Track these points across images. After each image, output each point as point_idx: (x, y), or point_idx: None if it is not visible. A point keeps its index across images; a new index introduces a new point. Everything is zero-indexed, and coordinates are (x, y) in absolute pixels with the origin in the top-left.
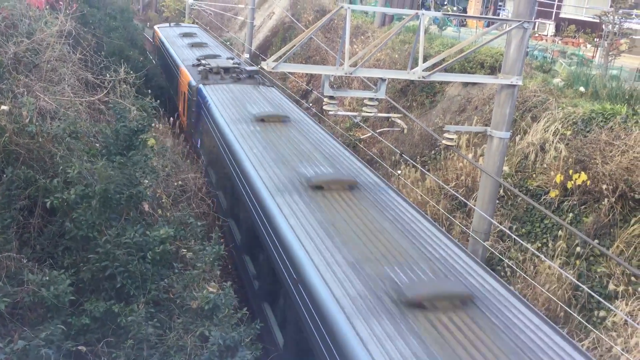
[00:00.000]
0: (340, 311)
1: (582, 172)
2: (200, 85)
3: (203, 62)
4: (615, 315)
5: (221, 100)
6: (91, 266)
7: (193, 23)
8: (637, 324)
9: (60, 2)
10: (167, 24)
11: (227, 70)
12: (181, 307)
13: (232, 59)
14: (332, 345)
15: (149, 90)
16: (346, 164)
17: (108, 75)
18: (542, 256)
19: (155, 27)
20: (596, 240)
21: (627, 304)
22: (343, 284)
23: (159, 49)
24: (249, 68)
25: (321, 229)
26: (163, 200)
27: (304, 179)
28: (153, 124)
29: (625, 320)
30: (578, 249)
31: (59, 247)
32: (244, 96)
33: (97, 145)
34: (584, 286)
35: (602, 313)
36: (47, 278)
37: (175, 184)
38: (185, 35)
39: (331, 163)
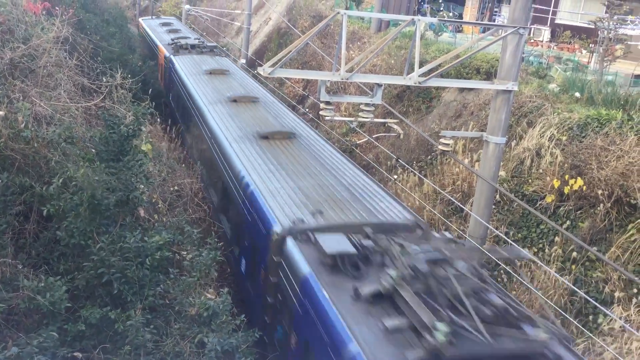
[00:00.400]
0: (226, 140)
1: (579, 178)
2: (172, 56)
3: (175, 41)
4: (610, 320)
5: (185, 64)
6: (86, 274)
7: (190, 28)
8: (637, 330)
9: (57, 8)
10: (150, 17)
11: (193, 46)
12: (178, 313)
13: (198, 39)
14: (222, 156)
15: (147, 95)
16: (253, 88)
17: (104, 81)
18: (538, 261)
19: (140, 19)
20: (595, 248)
21: (623, 309)
22: (231, 132)
23: (143, 36)
24: (209, 44)
25: (235, 125)
26: (159, 206)
27: (226, 97)
28: (144, 128)
29: (622, 326)
30: (574, 254)
31: (54, 253)
32: (202, 62)
33: (93, 150)
34: (580, 291)
35: (600, 319)
36: (43, 284)
37: (171, 189)
38: (164, 24)
39: (246, 91)
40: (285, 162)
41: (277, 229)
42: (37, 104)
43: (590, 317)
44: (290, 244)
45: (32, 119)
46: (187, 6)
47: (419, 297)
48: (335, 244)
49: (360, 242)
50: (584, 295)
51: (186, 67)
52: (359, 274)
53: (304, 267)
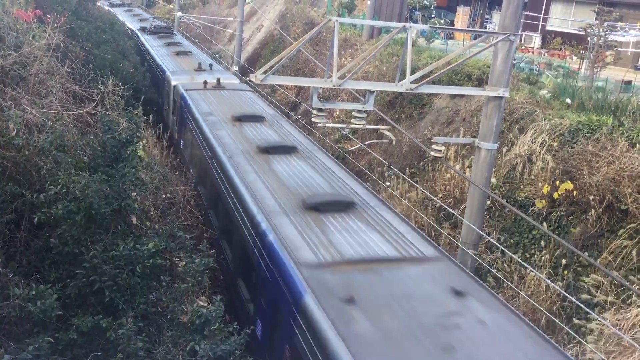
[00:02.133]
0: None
1: (567, 182)
2: (109, 7)
3: (112, 3)
4: (600, 326)
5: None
6: (78, 282)
7: (182, 35)
8: (623, 332)
9: (48, 16)
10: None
11: (119, 4)
12: (171, 321)
13: (124, 3)
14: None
15: (139, 102)
16: (145, 15)
17: (98, 88)
18: (529, 267)
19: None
20: (586, 253)
21: (615, 313)
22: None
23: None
24: (126, 3)
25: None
26: (151, 213)
27: (131, 15)
28: (141, 135)
29: (612, 331)
30: (564, 260)
31: (45, 261)
32: (124, 9)
33: (85, 158)
34: (570, 296)
35: (577, 322)
36: (34, 292)
37: (164, 196)
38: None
39: (142, 17)
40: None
41: None
42: (28, 111)
43: (574, 320)
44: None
45: (23, 127)
46: (179, 13)
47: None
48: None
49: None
50: (573, 299)
51: (121, 12)
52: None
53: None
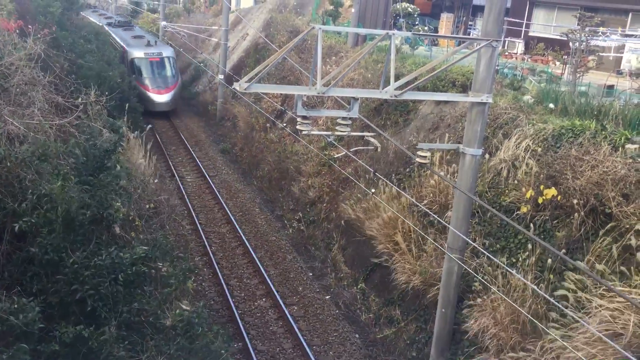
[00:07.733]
0: None
1: (552, 188)
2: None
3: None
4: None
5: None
6: (59, 288)
7: (167, 45)
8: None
9: (29, 27)
10: None
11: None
12: (154, 327)
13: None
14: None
15: (124, 112)
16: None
17: (80, 98)
18: (513, 272)
19: None
20: (564, 252)
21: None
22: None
23: None
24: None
25: None
26: (136, 223)
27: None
28: (123, 144)
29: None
30: (549, 261)
31: (27, 273)
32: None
33: (68, 168)
34: (553, 300)
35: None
36: (16, 306)
37: (148, 206)
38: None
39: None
40: None
41: None
42: (9, 122)
43: (549, 321)
44: None
45: (4, 138)
46: (164, 22)
47: None
48: None
49: None
50: (556, 302)
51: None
52: None
53: None
